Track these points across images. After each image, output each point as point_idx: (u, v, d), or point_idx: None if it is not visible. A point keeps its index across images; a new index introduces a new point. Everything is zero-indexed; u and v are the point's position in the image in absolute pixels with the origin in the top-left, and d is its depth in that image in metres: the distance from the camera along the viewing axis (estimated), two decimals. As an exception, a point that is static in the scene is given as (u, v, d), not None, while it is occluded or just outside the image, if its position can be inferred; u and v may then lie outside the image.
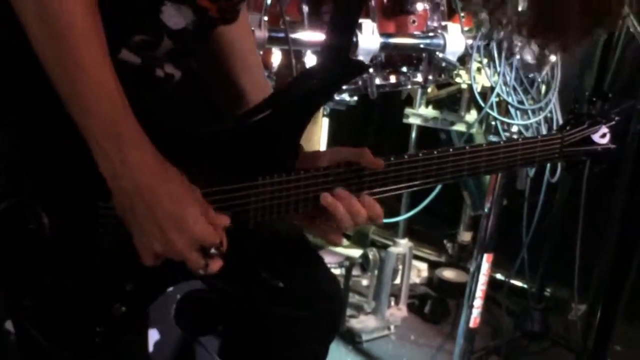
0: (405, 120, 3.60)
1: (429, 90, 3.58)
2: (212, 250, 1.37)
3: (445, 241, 4.51)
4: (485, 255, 2.86)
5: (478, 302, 2.91)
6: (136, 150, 1.32)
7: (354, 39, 2.50)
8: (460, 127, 3.42)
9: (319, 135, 3.55)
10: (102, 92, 1.29)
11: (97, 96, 1.28)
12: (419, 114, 3.55)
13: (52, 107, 1.31)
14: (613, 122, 1.83)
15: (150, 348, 2.43)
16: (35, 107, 1.39)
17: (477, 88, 3.00)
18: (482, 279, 2.89)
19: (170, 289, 2.41)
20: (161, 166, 1.35)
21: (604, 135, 1.81)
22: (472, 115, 3.39)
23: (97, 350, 1.50)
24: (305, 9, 2.52)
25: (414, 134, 3.83)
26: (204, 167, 1.42)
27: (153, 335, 2.48)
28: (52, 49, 1.27)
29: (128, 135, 1.32)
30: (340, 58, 1.58)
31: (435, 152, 1.58)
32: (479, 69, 3.06)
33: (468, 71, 3.08)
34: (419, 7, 2.81)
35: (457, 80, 3.23)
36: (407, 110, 3.58)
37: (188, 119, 1.61)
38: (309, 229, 1.65)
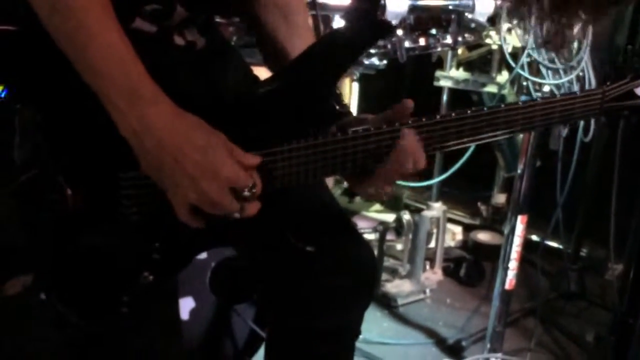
0: (436, 83, 3.58)
1: (459, 52, 3.56)
2: (246, 193, 1.36)
3: (479, 204, 4.49)
4: (520, 217, 2.84)
5: (513, 264, 2.89)
6: (153, 106, 1.32)
7: (382, 2, 2.47)
8: (491, 89, 3.41)
9: (348, 100, 3.54)
10: (111, 52, 1.30)
11: (106, 57, 1.29)
12: (450, 77, 3.54)
13: (72, 80, 1.32)
14: None
15: (186, 316, 2.47)
16: (55, 81, 1.40)
17: (507, 49, 2.97)
18: (517, 240, 2.86)
19: (204, 255, 2.47)
20: (180, 117, 1.35)
21: None
22: (503, 77, 3.37)
23: (123, 319, 1.51)
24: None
25: (445, 97, 3.80)
26: (229, 133, 1.40)
27: (188, 303, 2.49)
28: (56, 18, 1.29)
29: (142, 91, 1.32)
30: (367, 19, 1.55)
31: (468, 112, 1.55)
32: (509, 30, 3.03)
33: (498, 32, 3.05)
34: (447, -32, 2.77)
35: (488, 41, 3.22)
36: (438, 73, 3.57)
37: (215, 86, 1.60)
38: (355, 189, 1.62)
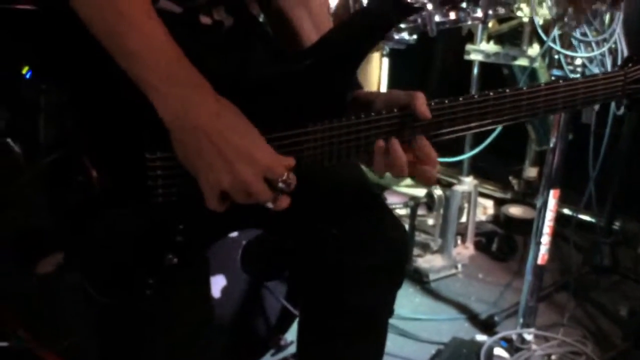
0: (466, 57, 3.55)
1: (490, 25, 3.52)
2: (280, 184, 1.37)
3: (510, 177, 4.47)
4: (552, 191, 2.81)
5: (546, 239, 2.87)
6: (195, 89, 1.34)
7: None
8: (522, 62, 3.36)
9: (378, 75, 3.52)
10: (153, 41, 1.32)
11: (149, 46, 1.32)
12: (480, 50, 3.50)
13: (96, 61, 1.34)
14: None
15: (218, 294, 2.48)
16: (79, 61, 1.41)
17: (538, 21, 2.94)
18: (549, 214, 2.84)
19: (235, 233, 2.47)
20: (220, 102, 1.36)
21: None
22: (534, 49, 3.33)
23: (149, 301, 1.52)
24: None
25: (475, 70, 3.77)
26: (254, 114, 1.41)
27: (220, 281, 2.50)
28: (96, 11, 1.31)
29: (184, 75, 1.34)
30: None
31: (491, 94, 1.53)
32: (540, 2, 2.99)
33: (529, 4, 3.02)
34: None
35: (518, 14, 3.18)
36: (468, 47, 3.53)
37: (243, 66, 1.60)
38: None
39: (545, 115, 1.69)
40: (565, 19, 2.57)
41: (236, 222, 1.63)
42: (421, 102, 1.46)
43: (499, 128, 3.25)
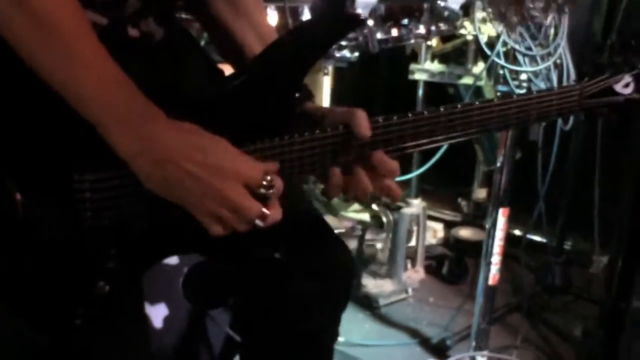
0: (410, 77, 3.54)
1: (434, 44, 3.52)
2: (261, 190, 1.30)
3: (459, 199, 4.47)
4: (501, 210, 2.81)
5: (496, 259, 2.86)
6: (150, 123, 1.28)
7: None
8: (467, 80, 3.35)
9: (320, 95, 3.47)
10: (104, 78, 1.27)
11: (100, 84, 1.26)
12: (425, 69, 3.51)
13: (20, 78, 1.27)
14: (637, 71, 1.74)
15: (159, 324, 2.42)
16: (5, 83, 1.33)
17: (483, 39, 2.92)
18: (499, 234, 2.83)
19: (176, 261, 2.40)
20: (176, 126, 1.30)
21: (627, 85, 1.72)
22: (479, 67, 3.33)
23: (78, 332, 1.43)
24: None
25: (420, 90, 3.75)
26: None
27: (161, 311, 2.44)
28: (37, 47, 1.24)
29: (138, 111, 1.28)
30: (335, 12, 1.52)
31: (441, 109, 1.50)
32: (484, 20, 2.98)
33: (472, 22, 3.00)
34: (418, -45, 2.71)
35: (462, 31, 3.17)
36: (413, 66, 3.53)
37: (176, 82, 1.54)
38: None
39: (498, 130, 1.67)
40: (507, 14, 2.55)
41: (174, 246, 1.55)
42: (360, 119, 1.42)
43: (445, 146, 3.24)
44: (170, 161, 1.26)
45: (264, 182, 1.31)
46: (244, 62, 1.67)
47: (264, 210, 1.31)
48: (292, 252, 1.62)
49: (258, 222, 1.32)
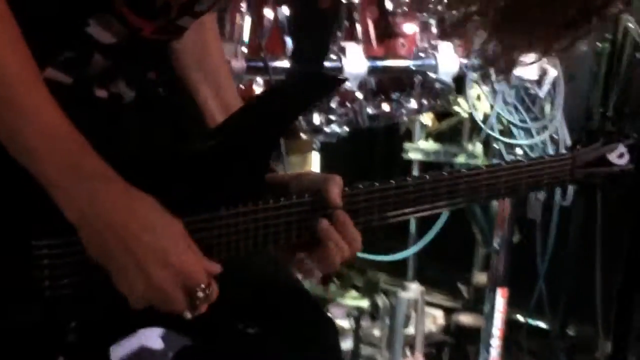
0: (405, 156, 3.49)
1: (429, 124, 3.48)
2: (199, 293, 1.25)
3: (459, 284, 4.35)
4: (500, 291, 2.73)
5: (496, 342, 2.80)
6: (104, 186, 1.22)
7: (340, 64, 2.41)
8: (463, 159, 3.30)
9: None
10: (50, 131, 1.20)
11: (45, 138, 1.19)
12: (419, 149, 3.46)
13: None
14: (632, 141, 1.69)
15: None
16: None
17: (478, 116, 2.89)
18: (499, 316, 2.75)
19: (162, 345, 2.30)
20: (133, 195, 1.24)
21: (621, 155, 1.69)
22: (475, 146, 3.27)
23: None
24: (287, 39, 2.41)
25: (415, 169, 3.70)
26: (158, 197, 1.28)
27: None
28: None
29: (89, 167, 1.21)
30: (311, 72, 1.47)
31: (427, 177, 1.48)
32: (478, 97, 2.95)
33: (467, 99, 2.97)
34: (408, 29, 2.71)
35: (456, 109, 3.14)
36: (407, 145, 3.48)
37: (144, 145, 1.49)
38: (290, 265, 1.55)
39: (487, 200, 1.63)
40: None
41: (140, 320, 1.47)
42: (333, 187, 1.38)
43: (441, 223, 3.19)
44: (115, 232, 1.21)
45: (202, 286, 1.25)
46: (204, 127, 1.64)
47: (188, 314, 1.27)
48: (271, 327, 1.55)
49: (186, 314, 1.28)
